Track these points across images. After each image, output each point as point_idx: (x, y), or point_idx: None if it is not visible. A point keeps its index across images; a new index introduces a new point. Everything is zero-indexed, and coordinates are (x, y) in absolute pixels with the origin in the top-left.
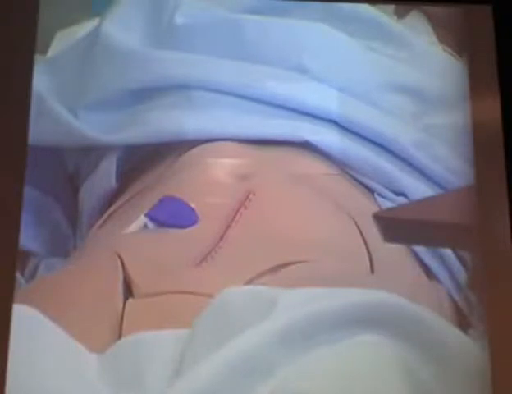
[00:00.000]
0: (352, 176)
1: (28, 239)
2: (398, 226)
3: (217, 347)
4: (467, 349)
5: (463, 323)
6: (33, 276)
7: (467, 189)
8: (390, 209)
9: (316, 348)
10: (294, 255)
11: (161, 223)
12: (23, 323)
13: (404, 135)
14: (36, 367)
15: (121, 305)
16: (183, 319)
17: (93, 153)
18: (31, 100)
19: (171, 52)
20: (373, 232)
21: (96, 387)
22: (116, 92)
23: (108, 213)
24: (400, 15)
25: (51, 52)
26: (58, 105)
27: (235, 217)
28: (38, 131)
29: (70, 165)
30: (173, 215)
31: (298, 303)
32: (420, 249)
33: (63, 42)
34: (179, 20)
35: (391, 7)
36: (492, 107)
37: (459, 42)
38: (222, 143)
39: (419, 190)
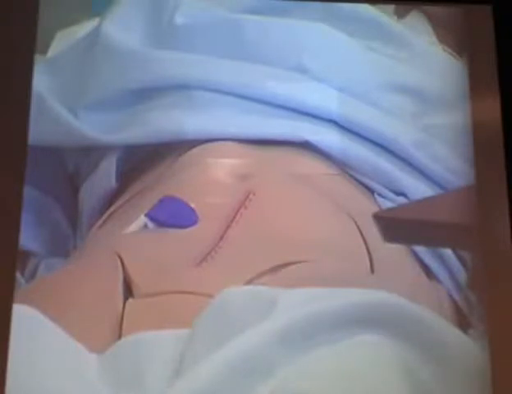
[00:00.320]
0: (352, 176)
1: (28, 239)
2: (398, 226)
3: (217, 347)
4: (467, 349)
5: (463, 323)
6: (33, 276)
7: (467, 189)
8: (390, 209)
9: (316, 348)
10: (294, 255)
11: (161, 223)
12: (23, 323)
13: (404, 135)
14: (36, 367)
15: (121, 305)
16: (183, 319)
17: (93, 153)
18: (31, 100)
19: (171, 52)
20: (373, 232)
21: (96, 387)
22: (116, 92)
23: (108, 213)
24: (400, 15)
25: (51, 52)
26: (58, 105)
27: (235, 217)
28: (38, 131)
29: (70, 165)
30: (173, 215)
31: (298, 303)
32: (420, 249)
33: (63, 42)
34: (179, 20)
35: (391, 7)
36: (492, 107)
37: (459, 42)
38: (222, 143)
39: (419, 190)
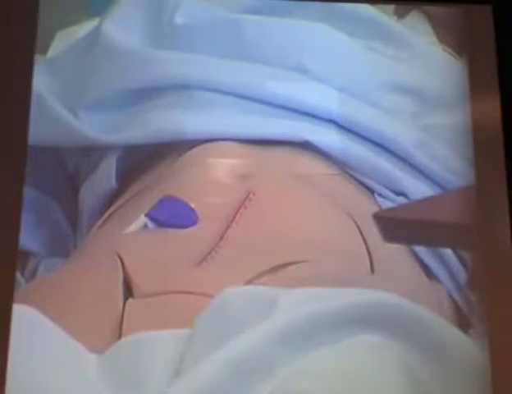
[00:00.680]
0: (352, 176)
1: (28, 239)
2: (398, 226)
3: (217, 347)
4: (467, 349)
5: (463, 323)
6: (33, 276)
7: (467, 189)
8: (390, 209)
9: (316, 348)
10: (294, 255)
11: (161, 223)
12: (23, 323)
13: (404, 135)
14: (36, 367)
15: (121, 305)
16: (183, 319)
17: (93, 153)
18: (31, 100)
19: (171, 52)
20: (373, 232)
21: (96, 387)
22: (116, 92)
23: (108, 213)
24: (400, 15)
25: (51, 52)
26: (58, 105)
27: (235, 217)
28: (38, 131)
29: (70, 165)
30: (173, 215)
31: (298, 303)
32: (420, 249)
33: (63, 42)
34: (179, 20)
35: (391, 7)
36: (492, 107)
37: (459, 42)
38: (222, 143)
39: (419, 189)
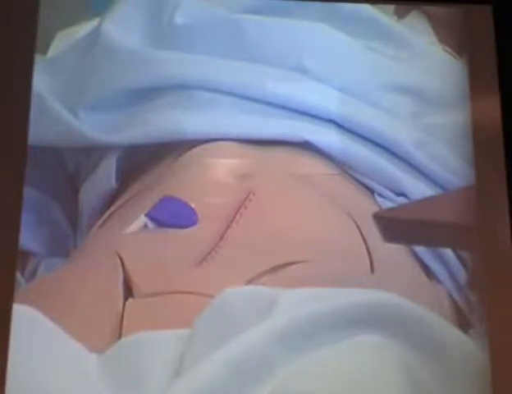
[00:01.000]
0: (352, 176)
1: (28, 239)
2: (398, 226)
3: (217, 347)
4: (467, 349)
5: (463, 323)
6: (33, 276)
7: (467, 189)
8: (390, 209)
9: (316, 348)
10: (294, 255)
11: (161, 223)
12: (23, 323)
13: (404, 135)
14: (36, 367)
15: (121, 305)
16: (183, 319)
17: (93, 153)
18: (31, 100)
19: (171, 52)
20: (373, 232)
21: (96, 387)
22: (116, 92)
23: (108, 212)
24: (400, 15)
25: (51, 52)
26: (58, 105)
27: (235, 217)
28: (38, 131)
29: (70, 165)
30: (173, 215)
31: (298, 303)
32: (420, 249)
33: (63, 42)
34: (179, 19)
35: (391, 7)
36: (492, 107)
37: (459, 42)
38: (222, 143)
39: (419, 190)
